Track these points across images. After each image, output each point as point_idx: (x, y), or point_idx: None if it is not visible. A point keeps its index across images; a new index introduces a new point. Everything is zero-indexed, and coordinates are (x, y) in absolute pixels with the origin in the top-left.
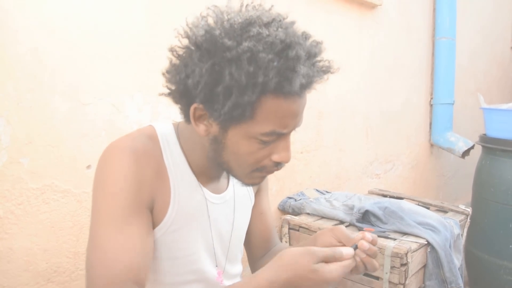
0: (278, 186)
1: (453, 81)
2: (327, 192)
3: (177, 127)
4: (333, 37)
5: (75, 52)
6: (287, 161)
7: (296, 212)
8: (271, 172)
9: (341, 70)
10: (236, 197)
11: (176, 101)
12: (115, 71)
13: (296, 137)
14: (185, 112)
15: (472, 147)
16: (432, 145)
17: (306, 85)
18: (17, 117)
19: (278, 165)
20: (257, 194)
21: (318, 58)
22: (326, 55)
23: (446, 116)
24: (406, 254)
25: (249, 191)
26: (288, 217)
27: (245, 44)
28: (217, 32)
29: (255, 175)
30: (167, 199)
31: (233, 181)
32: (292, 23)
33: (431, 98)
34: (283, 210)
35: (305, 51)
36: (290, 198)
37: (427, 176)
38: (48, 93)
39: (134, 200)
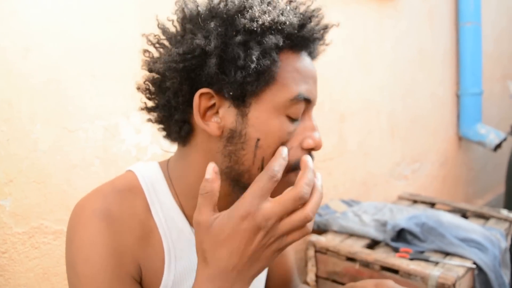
0: None
1: (480, 69)
2: (353, 201)
3: (165, 166)
4: (351, 30)
5: (56, 72)
6: (319, 145)
7: (321, 229)
8: None
9: (362, 66)
10: None
11: (163, 111)
12: (105, 89)
13: None
14: (179, 124)
15: (505, 139)
16: (460, 139)
17: (320, 38)
18: None
19: (311, 156)
20: None
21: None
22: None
23: (475, 106)
24: (454, 284)
25: None
26: (314, 238)
27: None
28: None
29: (290, 180)
30: (159, 265)
31: None
32: None
33: (458, 89)
34: None
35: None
36: None
37: (456, 171)
38: (28, 122)
39: (113, 277)
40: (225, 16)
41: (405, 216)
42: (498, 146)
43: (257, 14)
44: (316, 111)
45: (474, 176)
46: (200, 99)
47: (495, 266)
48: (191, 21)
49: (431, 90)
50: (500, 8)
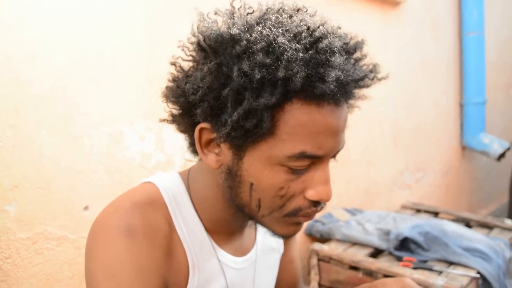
0: None
1: (483, 79)
2: (356, 210)
3: (186, 177)
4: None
5: (62, 79)
6: (326, 198)
7: (324, 238)
8: (309, 216)
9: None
10: (259, 255)
11: (181, 126)
12: (110, 97)
13: None
14: (193, 141)
15: (508, 149)
16: (464, 148)
17: (346, 88)
18: None
19: (316, 205)
20: (287, 241)
21: (358, 55)
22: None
23: (478, 116)
24: None
25: (278, 241)
26: (317, 246)
27: (260, 31)
28: (225, 25)
29: (289, 221)
30: (182, 278)
31: (260, 235)
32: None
33: (461, 98)
34: (310, 235)
35: (341, 43)
36: (317, 221)
37: (459, 181)
38: (34, 128)
39: None
40: (228, 57)
41: (408, 225)
42: (501, 156)
43: (250, 67)
44: None
45: (478, 185)
46: (200, 132)
47: (499, 276)
48: (200, 51)
49: (435, 99)
50: (503, 18)
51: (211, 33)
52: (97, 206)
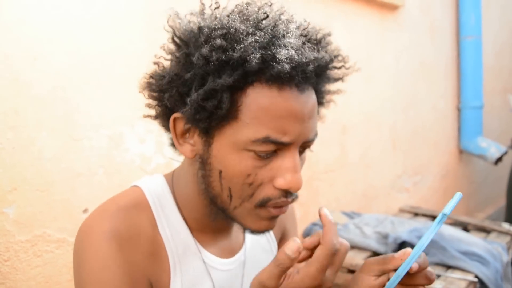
0: (302, 212)
1: (481, 83)
2: (354, 213)
3: (171, 178)
4: (353, 43)
5: (62, 81)
6: (295, 187)
7: None
8: (280, 206)
9: (364, 78)
10: (248, 256)
11: (160, 121)
12: (110, 99)
13: (320, 156)
14: (170, 139)
15: (506, 153)
16: (461, 152)
17: (304, 70)
18: None
19: (287, 195)
20: (281, 242)
21: (322, 44)
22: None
23: (475, 120)
24: None
25: (271, 242)
26: None
27: (220, 19)
28: (196, 20)
29: (261, 214)
30: (165, 280)
31: (249, 235)
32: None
33: (459, 102)
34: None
35: (295, 27)
36: (315, 224)
37: (456, 184)
38: (34, 130)
39: None
40: (196, 44)
41: (406, 229)
42: (499, 160)
43: (209, 50)
44: (317, 123)
45: (475, 189)
46: (174, 122)
47: (496, 280)
48: (174, 45)
49: (433, 103)
50: (501, 22)
51: (181, 27)
52: None
